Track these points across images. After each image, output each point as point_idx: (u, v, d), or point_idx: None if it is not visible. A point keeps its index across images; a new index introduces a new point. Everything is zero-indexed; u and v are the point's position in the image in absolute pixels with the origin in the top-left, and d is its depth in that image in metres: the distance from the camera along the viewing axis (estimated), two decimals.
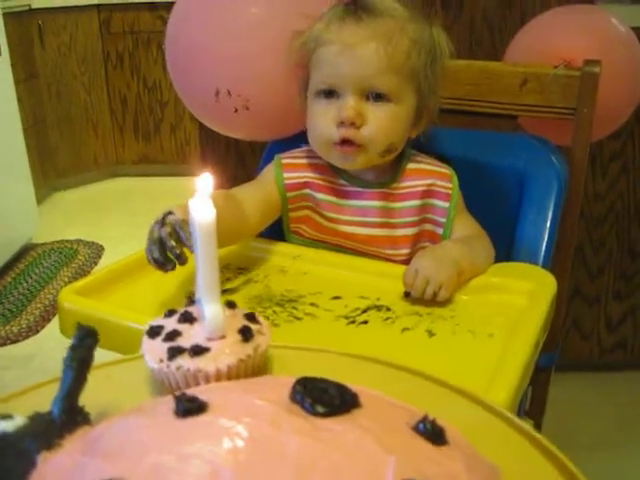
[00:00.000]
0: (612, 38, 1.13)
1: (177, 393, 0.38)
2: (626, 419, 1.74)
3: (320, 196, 0.95)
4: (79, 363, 0.41)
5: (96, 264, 2.66)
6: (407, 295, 0.79)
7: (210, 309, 0.50)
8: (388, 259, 0.93)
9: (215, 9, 0.95)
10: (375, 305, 0.78)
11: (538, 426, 1.11)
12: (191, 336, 0.51)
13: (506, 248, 0.95)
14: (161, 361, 0.50)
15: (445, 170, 0.94)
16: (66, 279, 2.54)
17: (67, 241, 2.86)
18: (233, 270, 0.88)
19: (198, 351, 0.49)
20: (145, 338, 0.52)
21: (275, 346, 0.55)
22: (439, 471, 0.31)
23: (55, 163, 3.40)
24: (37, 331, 2.20)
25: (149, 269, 0.87)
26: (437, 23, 0.92)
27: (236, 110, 0.94)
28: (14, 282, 2.55)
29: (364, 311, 0.77)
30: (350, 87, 0.85)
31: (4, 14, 2.70)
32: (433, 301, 0.78)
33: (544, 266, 0.91)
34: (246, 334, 0.51)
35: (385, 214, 0.93)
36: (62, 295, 0.79)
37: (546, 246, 0.94)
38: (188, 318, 0.52)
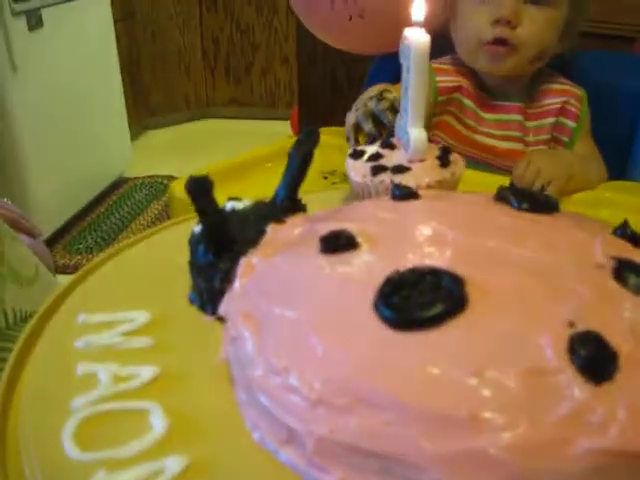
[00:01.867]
0: None
1: None
2: None
3: (468, 102, 0.94)
4: (302, 157, 0.44)
5: None
6: None
7: (415, 132, 0.53)
8: None
9: None
10: None
11: None
12: (393, 159, 0.55)
13: (620, 170, 0.92)
14: (364, 177, 0.54)
15: (578, 91, 0.93)
16: (156, 212, 2.62)
17: (157, 176, 2.94)
18: (339, 175, 0.89)
19: (400, 170, 0.53)
20: (348, 159, 0.58)
21: None
22: None
23: (147, 103, 3.48)
24: None
25: (259, 167, 0.89)
26: None
27: (350, 18, 0.93)
28: (107, 212, 2.65)
29: None
30: None
31: None
32: None
33: None
34: (444, 160, 0.55)
35: (523, 130, 0.93)
36: (174, 185, 0.83)
37: None
38: (389, 144, 0.57)
